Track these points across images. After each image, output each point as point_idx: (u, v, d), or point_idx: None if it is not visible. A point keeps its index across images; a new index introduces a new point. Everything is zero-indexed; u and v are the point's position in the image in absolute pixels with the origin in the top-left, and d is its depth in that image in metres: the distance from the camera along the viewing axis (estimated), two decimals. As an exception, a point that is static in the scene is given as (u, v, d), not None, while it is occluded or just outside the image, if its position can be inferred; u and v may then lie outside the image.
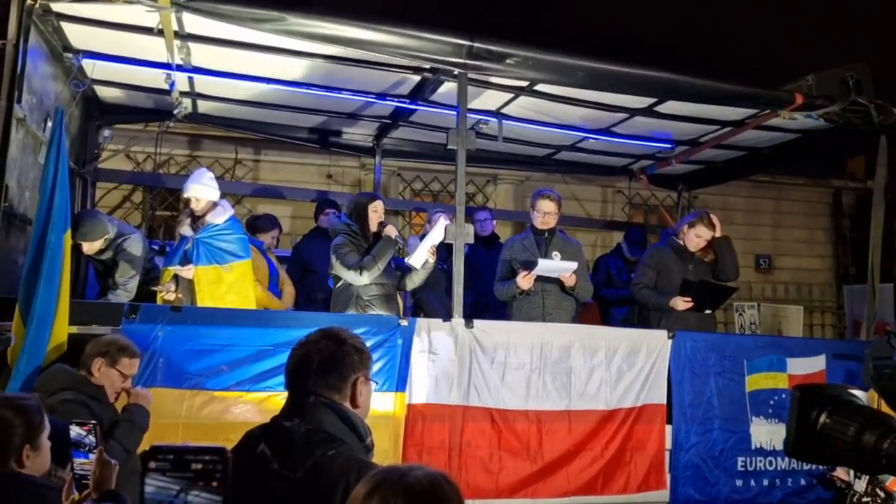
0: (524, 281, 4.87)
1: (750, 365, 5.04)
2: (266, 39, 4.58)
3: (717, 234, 5.38)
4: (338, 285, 4.86)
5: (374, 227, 4.88)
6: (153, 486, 1.25)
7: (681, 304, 5.11)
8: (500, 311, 5.50)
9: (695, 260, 5.36)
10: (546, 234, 5.13)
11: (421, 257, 4.80)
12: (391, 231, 4.81)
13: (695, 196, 8.64)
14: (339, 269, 4.73)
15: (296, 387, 2.03)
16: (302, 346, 2.06)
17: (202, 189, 4.94)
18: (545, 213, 5.09)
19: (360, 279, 4.67)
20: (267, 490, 1.88)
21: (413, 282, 4.99)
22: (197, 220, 4.96)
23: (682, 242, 5.38)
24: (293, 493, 1.85)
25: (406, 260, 4.87)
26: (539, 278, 4.93)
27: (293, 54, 4.89)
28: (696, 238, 5.32)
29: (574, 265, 4.94)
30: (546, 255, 5.02)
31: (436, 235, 4.73)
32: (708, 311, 5.34)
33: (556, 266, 4.97)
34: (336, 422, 1.96)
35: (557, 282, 4.99)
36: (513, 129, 6.26)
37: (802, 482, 5.04)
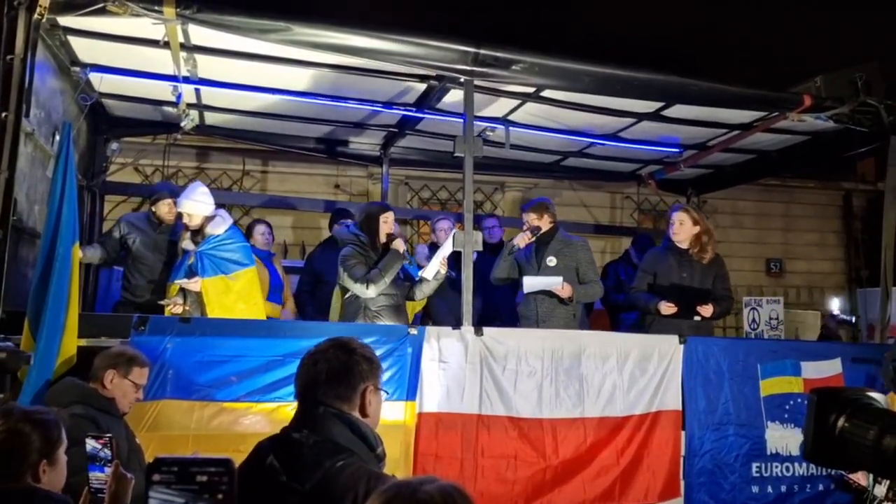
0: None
1: (764, 369, 4.97)
2: (272, 50, 4.59)
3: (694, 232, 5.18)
4: (346, 296, 4.82)
5: (383, 239, 4.85)
6: (158, 500, 1.22)
7: (664, 308, 5.01)
8: (509, 318, 5.47)
9: (692, 262, 5.17)
10: (544, 239, 5.13)
11: (433, 269, 4.81)
12: (399, 245, 4.79)
13: (704, 200, 8.58)
14: (346, 280, 4.72)
15: (305, 397, 2.01)
16: (311, 356, 2.05)
17: (193, 205, 4.96)
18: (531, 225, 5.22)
19: (367, 292, 4.65)
20: (276, 503, 1.85)
21: (423, 292, 4.99)
22: (197, 233, 4.97)
23: (679, 244, 5.21)
24: (302, 505, 1.83)
25: (420, 273, 4.89)
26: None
27: (299, 64, 4.90)
28: (679, 226, 5.14)
29: (559, 280, 4.89)
30: (541, 262, 5.06)
31: (447, 247, 4.73)
32: (697, 318, 5.10)
33: (542, 282, 4.97)
34: (345, 432, 1.94)
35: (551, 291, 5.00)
36: (520, 135, 6.23)
37: (820, 487, 4.96)
